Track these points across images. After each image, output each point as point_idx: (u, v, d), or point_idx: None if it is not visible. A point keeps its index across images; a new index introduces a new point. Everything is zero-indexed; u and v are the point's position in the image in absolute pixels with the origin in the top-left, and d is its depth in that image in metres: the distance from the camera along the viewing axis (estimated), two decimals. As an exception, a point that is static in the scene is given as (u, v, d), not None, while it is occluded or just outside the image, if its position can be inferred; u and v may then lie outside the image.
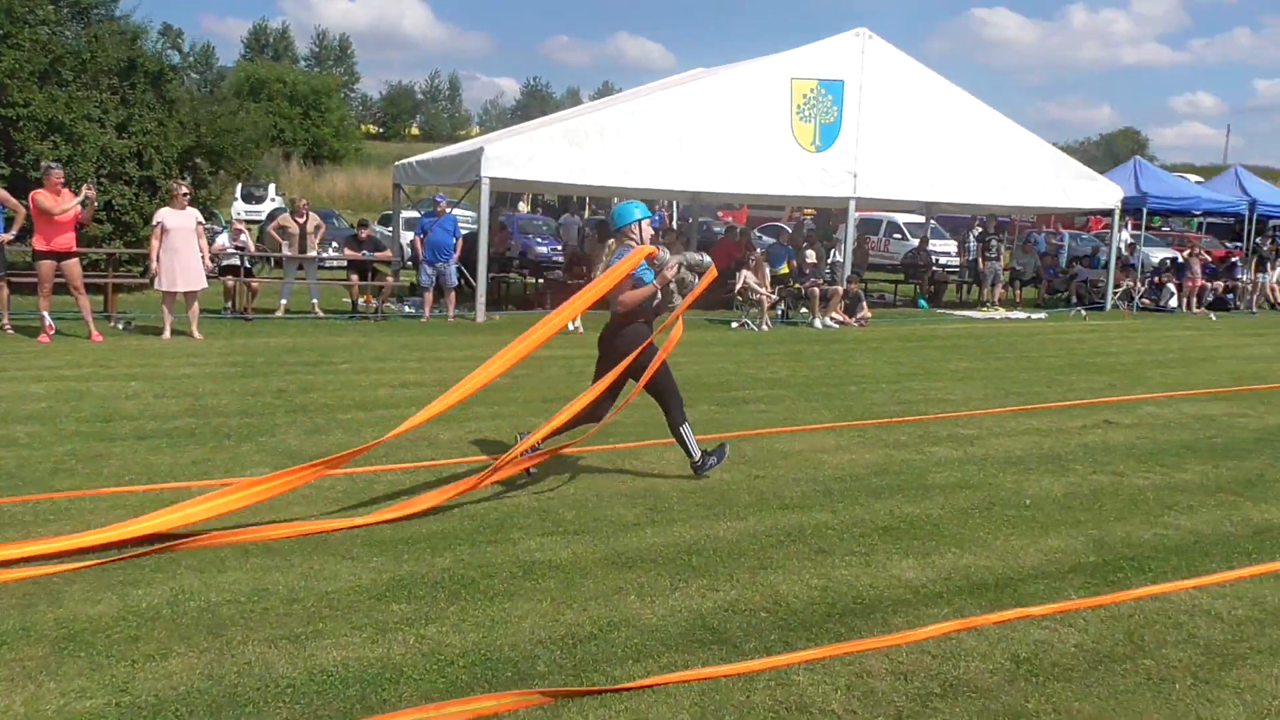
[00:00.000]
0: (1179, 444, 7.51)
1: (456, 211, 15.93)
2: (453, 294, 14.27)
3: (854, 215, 17.81)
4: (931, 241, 23.27)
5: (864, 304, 16.31)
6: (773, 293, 15.40)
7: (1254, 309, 20.68)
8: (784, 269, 16.92)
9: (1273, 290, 21.41)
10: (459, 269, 14.55)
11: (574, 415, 5.67)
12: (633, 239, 5.96)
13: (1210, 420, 8.46)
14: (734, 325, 14.72)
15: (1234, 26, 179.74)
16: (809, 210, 27.57)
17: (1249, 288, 20.98)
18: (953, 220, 30.23)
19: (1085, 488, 6.22)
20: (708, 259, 6.37)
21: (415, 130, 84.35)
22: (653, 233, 6.10)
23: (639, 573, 4.51)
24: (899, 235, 28.73)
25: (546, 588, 4.30)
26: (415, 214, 20.75)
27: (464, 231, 15.57)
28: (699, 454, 6.04)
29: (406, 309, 15.12)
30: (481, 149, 14.44)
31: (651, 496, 5.70)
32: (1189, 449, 7.36)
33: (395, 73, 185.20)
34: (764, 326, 14.60)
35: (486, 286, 14.66)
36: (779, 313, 15.76)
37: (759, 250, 16.75)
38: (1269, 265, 21.64)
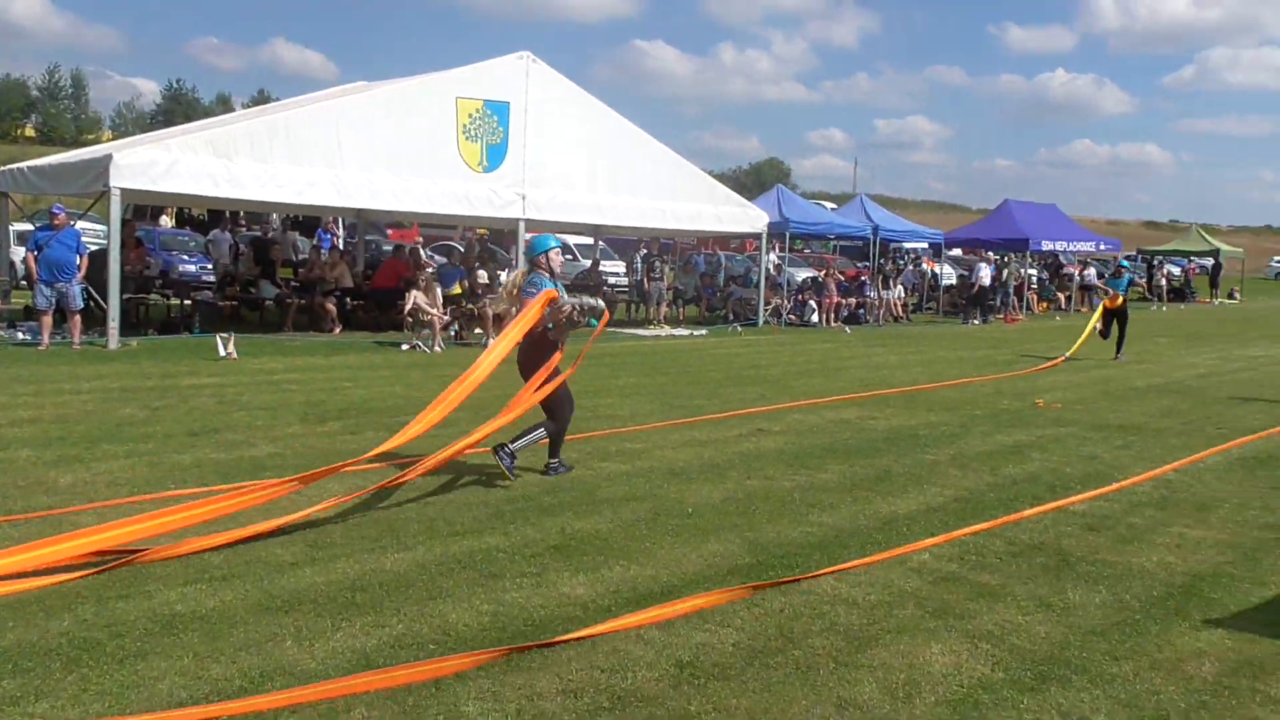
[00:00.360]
0: (820, 447, 8.31)
1: (81, 225, 14.26)
2: (77, 317, 12.75)
3: (524, 236, 18.08)
4: (602, 262, 24.18)
5: (537, 323, 16.56)
6: (445, 313, 15.24)
7: (880, 322, 23.45)
8: (456, 289, 16.81)
9: (895, 305, 24.40)
10: (85, 289, 13.03)
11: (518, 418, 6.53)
12: (542, 269, 6.68)
13: (846, 424, 9.44)
14: (404, 347, 14.38)
15: (856, 71, 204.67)
16: (482, 230, 27.68)
17: (876, 303, 23.77)
18: (620, 242, 31.63)
19: (741, 493, 6.69)
20: (601, 304, 6.98)
21: (31, 131, 74.79)
22: (562, 260, 6.81)
23: (297, 616, 4.23)
24: (570, 256, 29.59)
25: (189, 642, 3.91)
26: (29, 226, 18.41)
27: (91, 248, 13.98)
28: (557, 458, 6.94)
29: (20, 335, 13.30)
30: (110, 156, 13.06)
31: (312, 532, 5.39)
32: (829, 451, 8.16)
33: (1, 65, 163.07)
34: (437, 348, 14.40)
35: (121, 309, 13.24)
36: (452, 334, 15.62)
37: (430, 270, 16.52)
38: (892, 283, 24.66)
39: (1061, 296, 30.72)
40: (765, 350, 16.50)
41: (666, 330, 19.59)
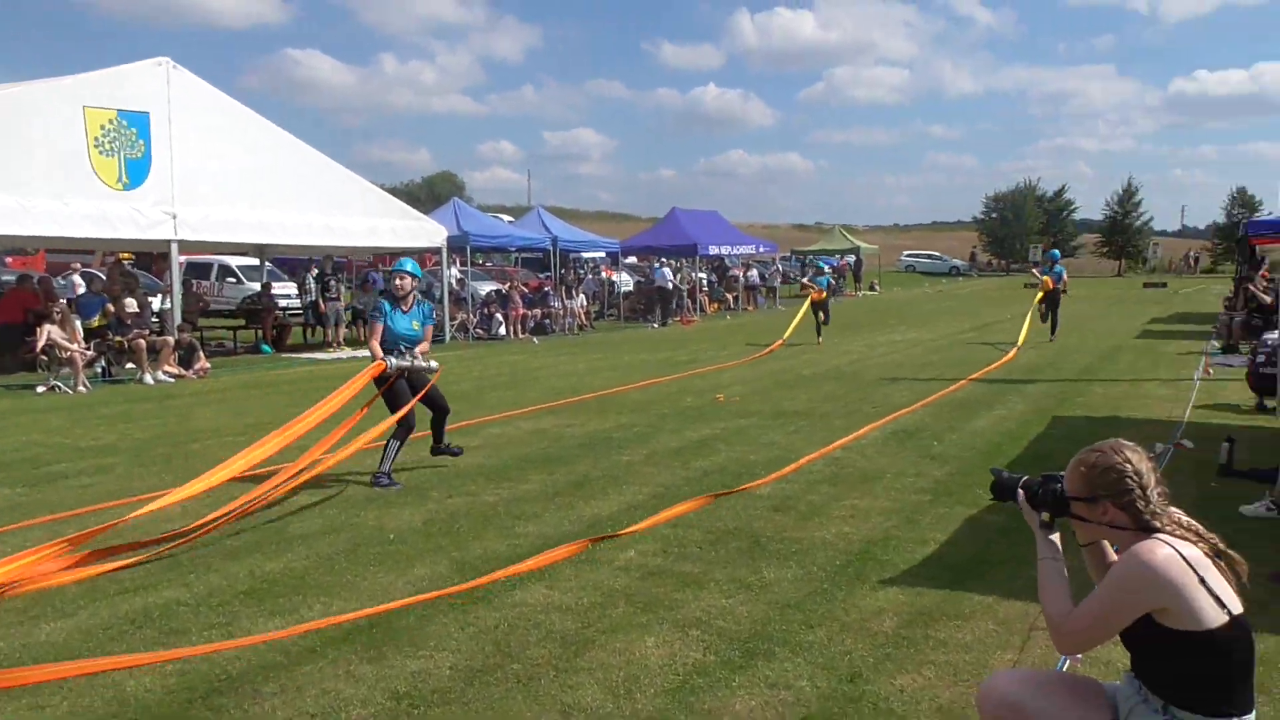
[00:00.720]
0: (519, 458, 8.36)
1: None
2: None
3: (179, 259, 16.71)
4: (273, 285, 22.84)
5: (201, 354, 15.37)
6: (87, 348, 13.71)
7: (567, 331, 24.00)
8: (98, 320, 15.18)
9: (579, 313, 25.08)
10: None
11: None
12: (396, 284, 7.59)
13: (543, 433, 9.56)
14: (40, 390, 12.78)
15: (522, 84, 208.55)
16: (126, 254, 25.19)
17: (561, 313, 24.31)
18: (290, 262, 30.06)
19: (444, 513, 6.57)
20: (435, 364, 7.70)
21: None
22: (414, 281, 7.67)
23: (-73, 713, 3.62)
24: (233, 279, 27.71)
25: None
26: None
27: None
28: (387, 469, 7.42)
29: None
30: None
31: (-61, 612, 4.64)
32: (528, 461, 8.23)
33: None
34: (80, 388, 12.92)
35: None
36: (98, 370, 14.09)
37: (64, 300, 14.78)
38: (574, 292, 25.33)
39: (729, 297, 33.01)
40: (455, 365, 16.31)
41: (348, 352, 18.86)
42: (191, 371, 14.81)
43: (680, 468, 7.90)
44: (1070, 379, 13.14)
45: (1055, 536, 2.67)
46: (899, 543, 5.72)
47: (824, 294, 19.78)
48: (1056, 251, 23.01)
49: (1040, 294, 19.27)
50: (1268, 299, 17.91)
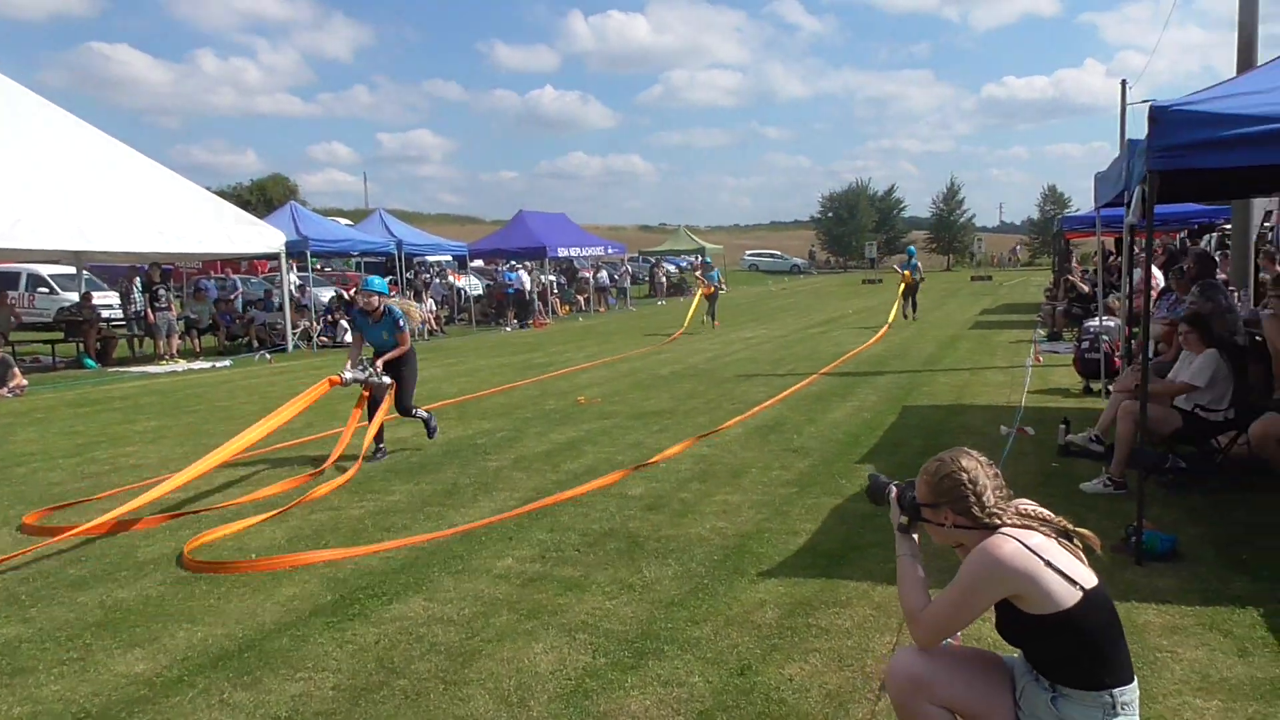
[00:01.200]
0: (382, 469, 8.14)
1: None
2: None
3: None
4: (93, 295, 21.45)
5: (15, 370, 14.29)
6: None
7: (416, 336, 23.47)
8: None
9: (428, 318, 24.59)
10: None
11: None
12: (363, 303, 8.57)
13: (403, 441, 9.34)
14: None
15: (354, 84, 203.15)
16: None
17: (408, 319, 23.79)
18: (111, 270, 28.32)
19: (308, 528, 6.34)
20: (387, 380, 8.42)
21: None
22: (381, 299, 8.57)
23: None
24: (45, 289, 25.91)
25: None
26: None
27: None
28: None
29: None
30: None
31: None
32: (391, 471, 8.02)
33: None
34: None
35: None
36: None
37: None
38: (423, 296, 24.83)
39: (580, 299, 33.10)
40: (302, 376, 15.74)
41: (183, 365, 17.93)
42: (7, 390, 13.77)
43: (550, 471, 7.87)
44: (915, 369, 13.78)
45: (915, 537, 2.89)
46: (772, 535, 5.87)
47: (713, 288, 24.11)
48: (913, 249, 27.58)
49: (902, 285, 23.28)
50: (1085, 288, 19.31)
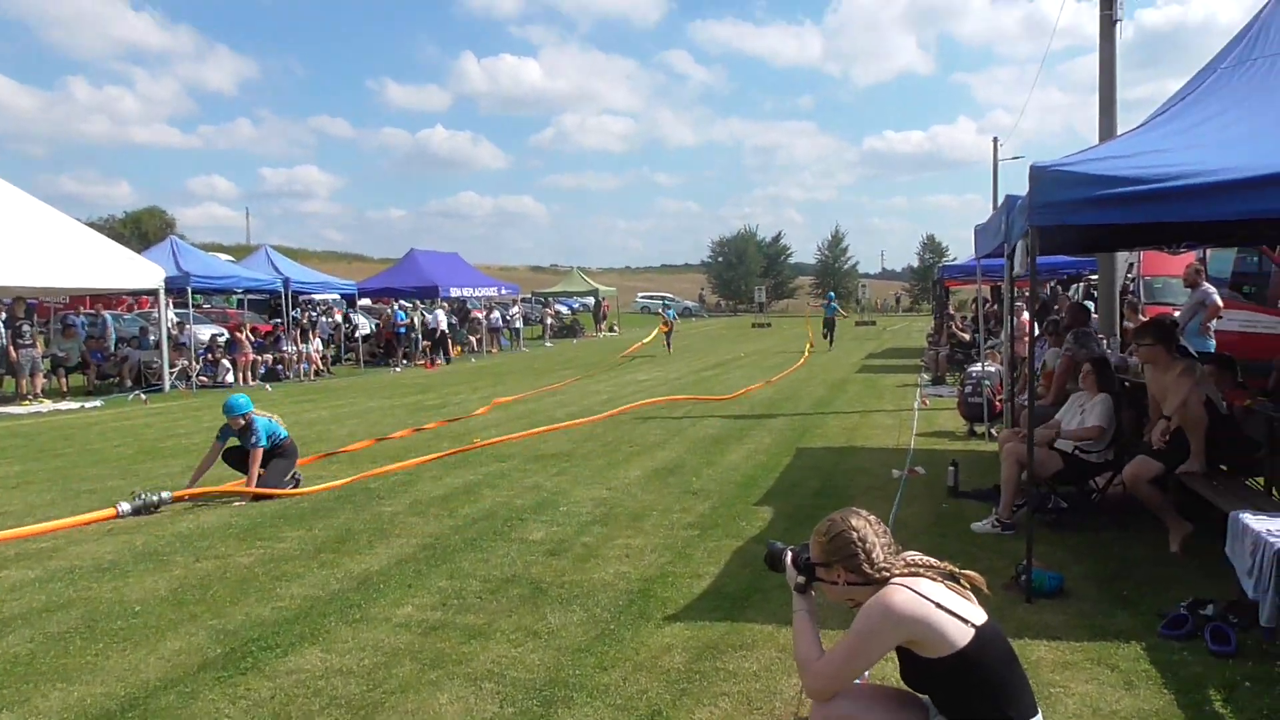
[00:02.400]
0: (272, 514, 7.86)
1: None
2: None
3: None
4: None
5: None
6: None
7: (302, 377, 22.87)
8: None
9: (315, 358, 23.99)
10: None
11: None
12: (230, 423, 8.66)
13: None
14: None
15: (237, 117, 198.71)
16: None
17: (295, 358, 23.16)
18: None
19: (193, 578, 6.07)
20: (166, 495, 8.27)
21: None
22: (243, 419, 8.61)
23: None
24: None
25: None
26: None
27: None
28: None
29: None
30: None
31: None
32: (281, 518, 7.76)
33: None
34: None
35: None
36: None
37: None
38: (310, 335, 24.20)
39: (473, 340, 32.76)
40: (180, 417, 15.14)
41: (49, 405, 17.02)
42: None
43: (447, 516, 7.73)
44: (807, 412, 14.08)
45: (812, 594, 3.01)
46: (676, 579, 5.89)
47: (671, 324, 31.89)
48: (833, 294, 37.38)
49: (824, 322, 32.28)
50: (966, 336, 20.13)
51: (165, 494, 8.18)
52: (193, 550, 6.75)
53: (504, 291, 34.77)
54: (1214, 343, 10.69)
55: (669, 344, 30.89)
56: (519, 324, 37.23)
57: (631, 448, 11.04)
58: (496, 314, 35.03)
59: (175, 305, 23.20)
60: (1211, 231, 8.63)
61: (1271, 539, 4.41)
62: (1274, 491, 6.40)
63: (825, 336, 31.61)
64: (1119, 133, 10.74)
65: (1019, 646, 4.51)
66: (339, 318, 30.92)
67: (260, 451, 8.61)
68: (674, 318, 33.57)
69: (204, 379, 20.88)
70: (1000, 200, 7.74)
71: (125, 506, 7.83)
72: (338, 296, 30.94)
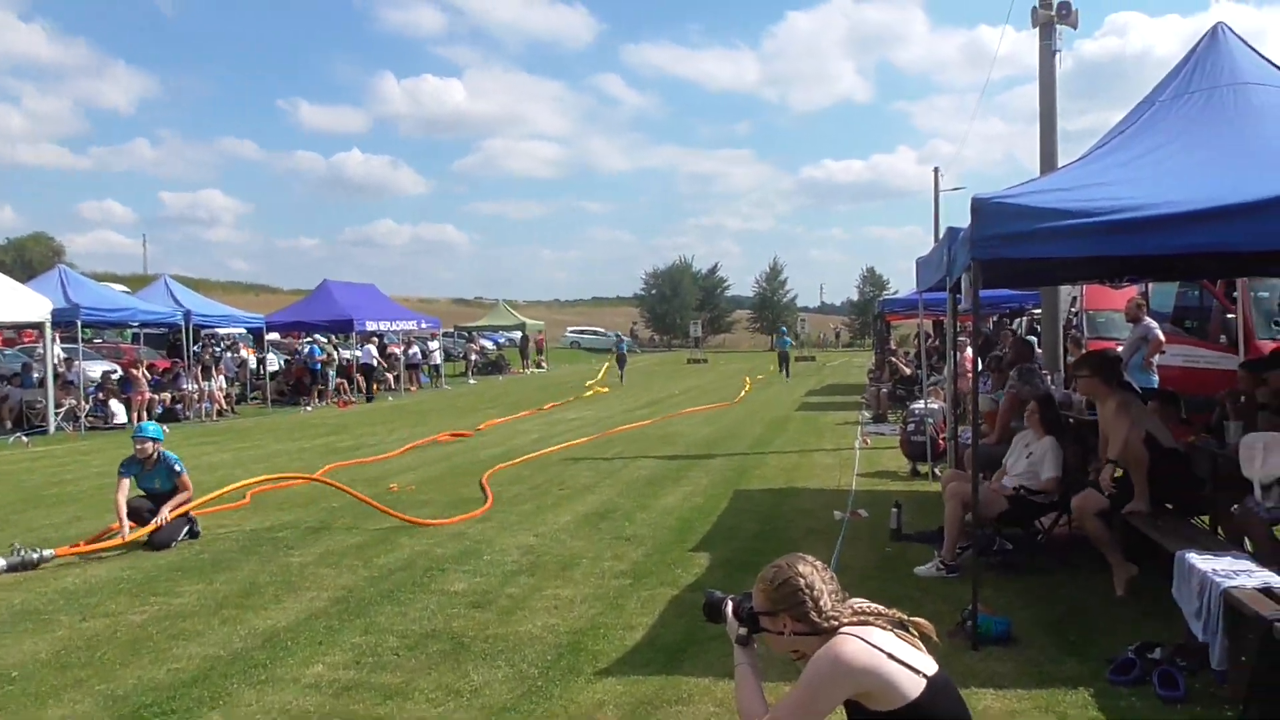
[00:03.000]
0: (167, 567, 7.64)
1: None
2: None
3: None
4: None
5: None
6: None
7: (204, 418, 22.32)
8: None
9: (218, 397, 23.47)
10: None
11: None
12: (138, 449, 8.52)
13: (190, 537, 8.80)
14: None
15: (135, 137, 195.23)
16: None
17: (197, 397, 22.62)
18: None
19: (79, 639, 5.86)
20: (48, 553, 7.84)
21: None
22: (155, 445, 8.65)
23: None
24: None
25: None
26: None
27: None
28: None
29: None
30: None
31: None
32: (178, 570, 7.54)
33: None
34: None
35: None
36: None
37: None
38: (212, 373, 23.68)
39: (390, 376, 32.35)
40: (66, 462, 14.66)
41: (-81, 450, 16.35)
42: None
43: (362, 567, 7.59)
44: (745, 451, 14.17)
45: (754, 646, 2.99)
46: (608, 630, 5.85)
47: (624, 356, 36.27)
48: (784, 328, 43.94)
49: (778, 355, 37.33)
50: (908, 370, 20.50)
51: (48, 551, 7.82)
52: (79, 608, 6.52)
53: (424, 325, 34.45)
54: (1157, 378, 11.03)
55: (622, 375, 34.42)
56: (439, 360, 36.88)
57: (561, 491, 10.99)
58: (415, 349, 34.68)
59: (63, 340, 22.56)
60: (1154, 265, 8.97)
61: (1218, 579, 4.55)
62: (1219, 530, 6.60)
63: (781, 368, 35.96)
64: (1060, 164, 11.12)
65: (966, 695, 4.54)
66: (244, 353, 30.37)
67: (187, 479, 8.70)
68: (626, 350, 38.52)
69: (94, 420, 20.27)
70: (942, 233, 7.94)
71: (0, 562, 7.51)
72: (243, 331, 30.42)
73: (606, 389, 30.68)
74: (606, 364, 37.71)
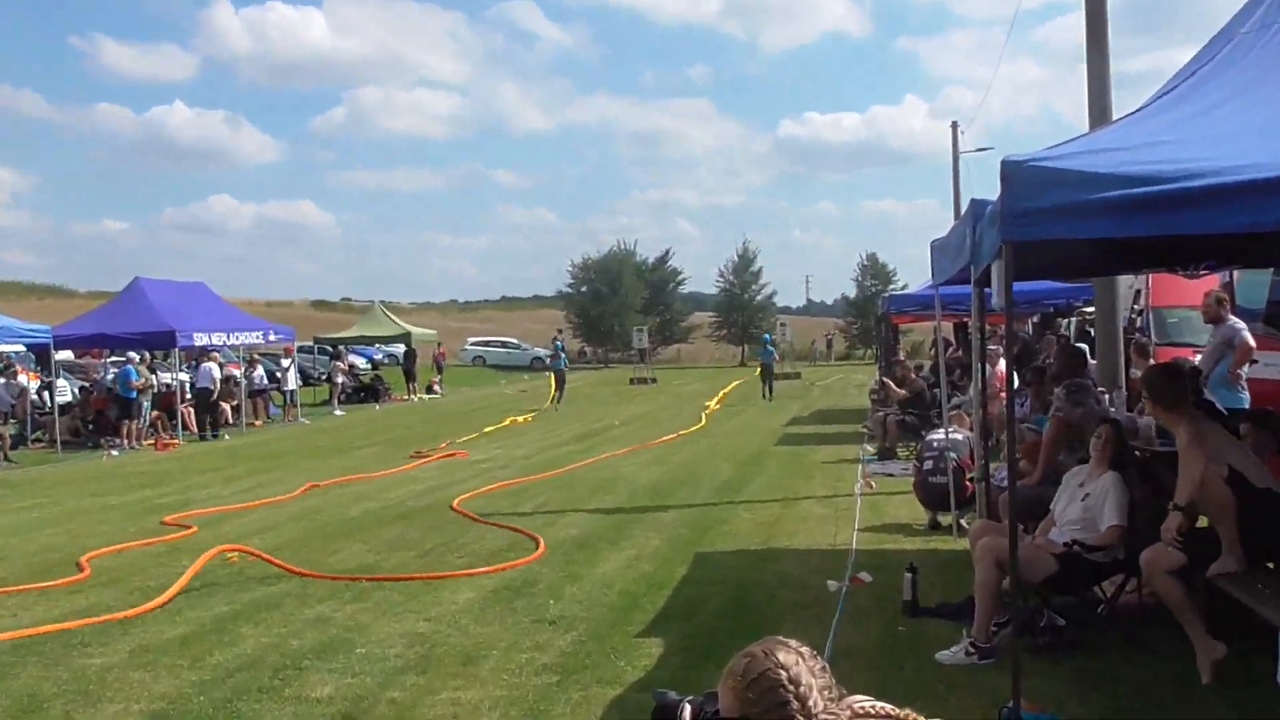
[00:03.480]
0: (-82, 675, 7.47)
1: None
2: None
3: None
4: None
5: None
6: None
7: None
8: None
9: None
10: None
11: None
12: None
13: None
14: None
15: None
16: None
17: (-43, 440, 22.21)
18: None
19: None
20: None
21: None
22: None
23: None
24: None
25: None
26: None
27: None
28: None
29: None
30: None
31: None
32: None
33: None
34: None
35: None
36: None
37: None
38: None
39: (227, 407, 31.97)
40: None
41: None
42: None
43: (188, 667, 7.50)
44: (709, 501, 14.23)
45: None
46: (526, 747, 5.83)
47: (563, 370, 38.48)
48: (769, 335, 44.87)
49: (759, 369, 39.74)
50: (914, 376, 20.66)
51: None
52: None
53: (273, 337, 34.13)
54: (1247, 395, 11.22)
55: (560, 399, 36.35)
56: (294, 384, 36.53)
57: (461, 558, 10.93)
58: (261, 371, 34.36)
59: None
60: (1241, 248, 9.11)
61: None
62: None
63: (763, 385, 37.52)
64: (1115, 118, 11.32)
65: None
66: (24, 379, 29.81)
67: None
68: (564, 366, 39.67)
69: None
70: (964, 207, 8.04)
71: None
72: (23, 348, 29.86)
73: (527, 418, 30.82)
74: (551, 389, 37.68)
